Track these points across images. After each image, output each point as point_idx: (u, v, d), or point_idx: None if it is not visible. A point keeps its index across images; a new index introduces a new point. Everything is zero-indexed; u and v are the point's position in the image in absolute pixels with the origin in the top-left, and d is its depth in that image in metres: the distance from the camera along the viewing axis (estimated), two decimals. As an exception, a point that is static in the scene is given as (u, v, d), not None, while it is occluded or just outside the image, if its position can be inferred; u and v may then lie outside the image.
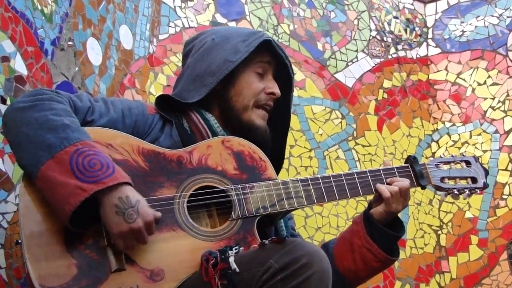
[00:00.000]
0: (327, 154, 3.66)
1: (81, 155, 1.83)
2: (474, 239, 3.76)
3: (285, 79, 2.40)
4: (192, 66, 2.32)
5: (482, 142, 3.84)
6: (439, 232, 3.84)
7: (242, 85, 2.29)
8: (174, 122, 2.20)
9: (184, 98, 2.26)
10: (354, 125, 3.78)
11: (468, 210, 3.80)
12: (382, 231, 2.22)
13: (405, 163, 2.39)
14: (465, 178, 2.43)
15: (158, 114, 2.23)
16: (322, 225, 3.54)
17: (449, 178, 2.41)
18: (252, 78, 2.30)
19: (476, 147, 3.82)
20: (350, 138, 3.75)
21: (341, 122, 3.75)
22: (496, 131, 3.82)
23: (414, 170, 2.34)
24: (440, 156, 2.48)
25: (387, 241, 2.23)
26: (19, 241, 1.85)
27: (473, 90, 3.92)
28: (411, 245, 3.77)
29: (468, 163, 2.46)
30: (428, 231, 3.84)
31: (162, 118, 2.22)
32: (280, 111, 2.41)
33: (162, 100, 2.26)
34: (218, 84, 2.25)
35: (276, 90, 2.32)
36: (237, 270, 1.80)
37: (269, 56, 2.35)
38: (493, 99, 3.87)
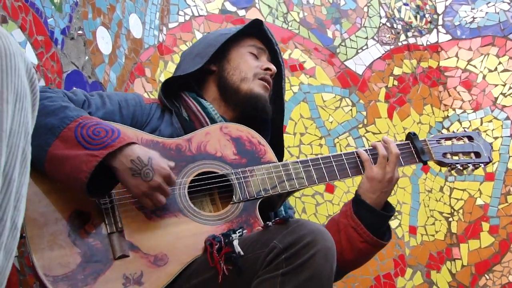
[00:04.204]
0: (338, 142, 3.66)
1: (84, 127, 1.86)
2: (485, 226, 3.75)
3: (277, 69, 2.43)
4: (190, 51, 2.41)
5: (493, 129, 3.82)
6: (450, 219, 3.83)
7: (238, 61, 2.36)
8: (174, 111, 2.24)
9: (185, 71, 2.31)
10: (364, 113, 3.77)
11: (479, 197, 3.79)
12: (368, 209, 2.21)
13: (405, 140, 2.38)
14: (468, 153, 2.43)
15: (155, 103, 2.27)
16: (333, 212, 3.54)
17: (452, 153, 2.40)
18: (247, 57, 2.37)
19: (487, 134, 3.80)
20: (360, 126, 3.74)
21: (351, 109, 3.74)
22: (507, 118, 3.81)
23: (414, 146, 2.34)
24: (441, 132, 2.47)
25: (374, 221, 2.22)
26: (24, 234, 1.86)
27: (484, 76, 3.91)
28: (422, 232, 3.76)
29: (470, 138, 2.45)
30: (439, 218, 3.83)
31: (160, 107, 2.26)
32: (275, 100, 2.44)
33: (165, 86, 2.31)
34: (214, 65, 2.34)
35: (272, 66, 2.37)
36: (242, 253, 1.82)
37: (262, 43, 2.42)
38: (504, 85, 3.85)
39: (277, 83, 2.42)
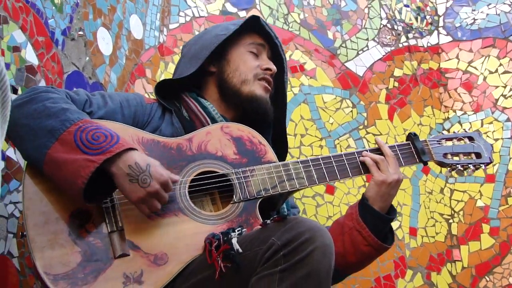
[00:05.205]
0: (338, 143, 3.65)
1: (84, 131, 1.86)
2: (486, 227, 3.75)
3: (279, 62, 2.42)
4: (187, 51, 2.39)
5: (494, 131, 3.82)
6: (451, 220, 3.83)
7: (238, 62, 2.33)
8: (173, 110, 2.23)
9: (181, 75, 2.30)
10: (365, 114, 3.77)
11: (480, 198, 3.79)
12: (373, 212, 2.21)
13: (406, 140, 2.38)
14: (469, 153, 2.42)
15: (156, 103, 2.26)
16: (333, 214, 3.54)
17: (452, 154, 2.40)
18: (247, 56, 2.35)
19: (487, 136, 3.80)
20: (361, 127, 3.74)
21: (351, 111, 3.74)
22: (508, 120, 3.81)
23: (415, 146, 2.35)
24: (442, 133, 2.48)
25: (378, 224, 2.21)
26: (24, 233, 1.87)
27: (485, 78, 3.91)
28: (422, 234, 3.76)
29: (471, 138, 2.45)
30: (440, 219, 3.83)
31: (160, 107, 2.25)
32: (277, 95, 2.43)
33: (161, 86, 2.30)
34: (213, 66, 2.32)
35: (272, 66, 2.35)
36: (240, 250, 1.82)
37: (262, 38, 2.39)
38: (504, 87, 3.85)
39: (278, 77, 2.40)
